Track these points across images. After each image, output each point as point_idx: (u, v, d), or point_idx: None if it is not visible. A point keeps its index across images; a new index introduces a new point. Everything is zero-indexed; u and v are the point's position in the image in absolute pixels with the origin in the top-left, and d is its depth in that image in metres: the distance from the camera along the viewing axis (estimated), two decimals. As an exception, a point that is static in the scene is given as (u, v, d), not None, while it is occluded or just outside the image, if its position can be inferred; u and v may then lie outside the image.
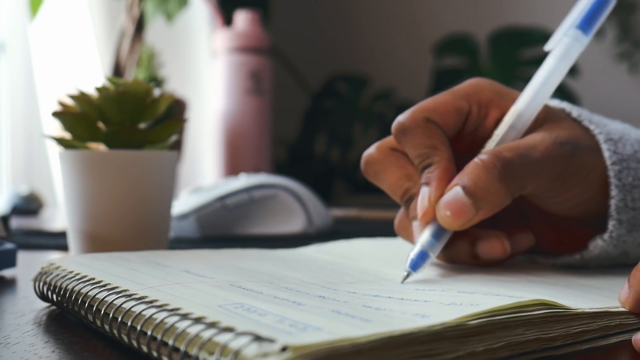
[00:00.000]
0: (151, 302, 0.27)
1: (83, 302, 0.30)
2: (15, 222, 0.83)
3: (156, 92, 0.50)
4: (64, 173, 0.48)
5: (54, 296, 0.34)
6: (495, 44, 1.98)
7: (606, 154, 0.38)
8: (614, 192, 0.38)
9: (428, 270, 0.38)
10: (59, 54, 1.56)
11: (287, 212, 0.69)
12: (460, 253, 0.39)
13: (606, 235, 0.39)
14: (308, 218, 0.70)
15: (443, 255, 0.39)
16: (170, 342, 0.24)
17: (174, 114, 1.10)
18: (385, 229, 0.57)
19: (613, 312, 0.28)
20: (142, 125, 0.49)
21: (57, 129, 1.05)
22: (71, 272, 0.33)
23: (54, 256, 0.56)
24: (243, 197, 0.68)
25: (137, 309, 0.27)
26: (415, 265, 0.36)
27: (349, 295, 0.30)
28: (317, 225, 0.70)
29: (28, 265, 0.48)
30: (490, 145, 0.39)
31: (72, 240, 0.48)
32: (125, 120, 0.48)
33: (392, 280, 0.36)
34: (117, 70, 1.18)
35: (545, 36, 2.04)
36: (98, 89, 0.48)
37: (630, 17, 2.14)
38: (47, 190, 1.46)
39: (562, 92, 1.97)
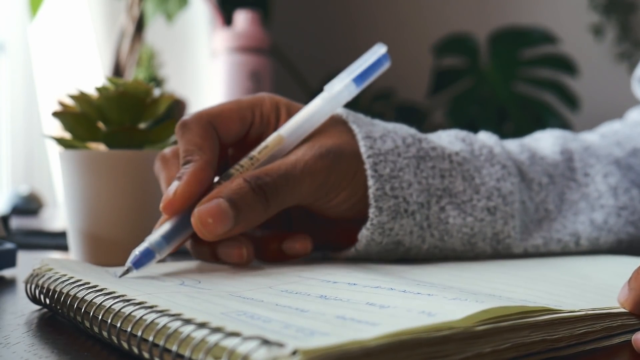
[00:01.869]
0: (151, 307, 0.27)
1: (79, 307, 0.30)
2: (15, 222, 0.83)
3: (156, 92, 0.50)
4: (64, 173, 0.48)
5: (46, 300, 0.33)
6: (495, 44, 1.98)
7: (362, 149, 0.41)
8: (370, 182, 0.41)
9: (417, 263, 0.38)
10: (59, 54, 1.56)
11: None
12: (203, 252, 0.39)
13: (368, 223, 0.41)
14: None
15: (192, 250, 0.40)
16: (174, 348, 0.23)
17: (174, 114, 1.10)
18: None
19: (615, 313, 0.29)
20: (142, 125, 0.49)
21: (57, 129, 1.05)
22: (64, 275, 0.33)
23: (54, 256, 0.56)
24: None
25: (138, 313, 0.26)
26: (138, 263, 0.35)
27: (350, 289, 0.30)
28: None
29: (28, 265, 0.48)
30: (252, 164, 0.40)
31: (72, 240, 0.48)
32: (125, 120, 0.48)
33: (391, 270, 0.36)
34: (117, 70, 1.18)
35: (545, 36, 2.04)
36: (98, 89, 0.48)
37: (630, 17, 2.14)
38: (47, 190, 1.46)
39: (562, 92, 1.97)
